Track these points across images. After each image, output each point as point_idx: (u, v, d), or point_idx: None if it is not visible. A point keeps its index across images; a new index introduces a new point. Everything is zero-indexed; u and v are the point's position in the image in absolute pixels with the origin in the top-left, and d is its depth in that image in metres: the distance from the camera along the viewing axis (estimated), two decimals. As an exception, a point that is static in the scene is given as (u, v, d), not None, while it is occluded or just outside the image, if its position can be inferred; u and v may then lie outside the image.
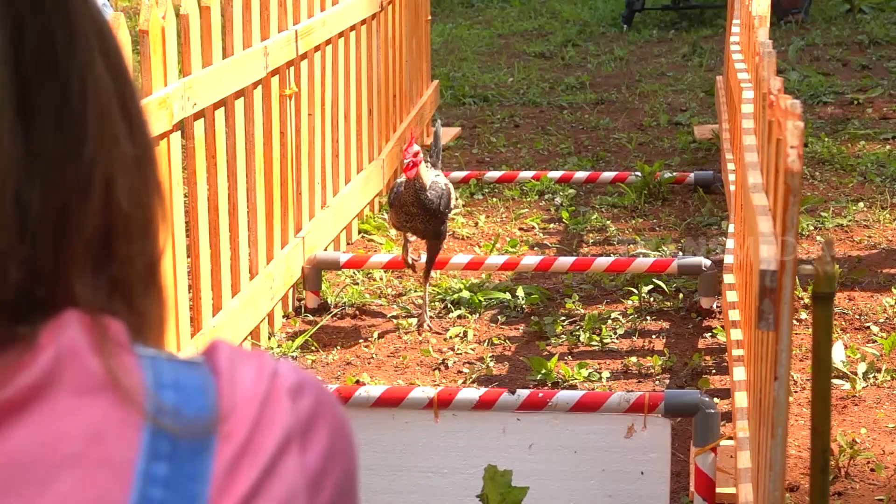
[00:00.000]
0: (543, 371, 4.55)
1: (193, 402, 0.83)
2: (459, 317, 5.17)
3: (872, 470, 3.93)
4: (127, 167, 0.86)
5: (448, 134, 7.72)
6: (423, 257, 5.13)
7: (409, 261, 5.11)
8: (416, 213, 4.89)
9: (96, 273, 0.84)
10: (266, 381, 0.85)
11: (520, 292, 5.28)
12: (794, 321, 4.84)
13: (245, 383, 0.85)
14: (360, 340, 4.98)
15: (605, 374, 4.63)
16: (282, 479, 0.83)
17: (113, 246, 0.85)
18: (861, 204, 6.26)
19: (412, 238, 5.14)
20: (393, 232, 5.90)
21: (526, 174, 6.69)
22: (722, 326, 4.86)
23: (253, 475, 0.82)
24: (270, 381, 0.85)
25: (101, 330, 0.83)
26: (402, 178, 4.97)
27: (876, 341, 4.79)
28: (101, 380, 0.81)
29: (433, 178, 4.96)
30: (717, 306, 5.05)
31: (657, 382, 4.56)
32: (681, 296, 5.26)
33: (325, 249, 5.55)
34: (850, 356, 4.61)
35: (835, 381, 4.38)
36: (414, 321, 5.10)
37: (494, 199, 6.57)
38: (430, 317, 5.09)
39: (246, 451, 0.83)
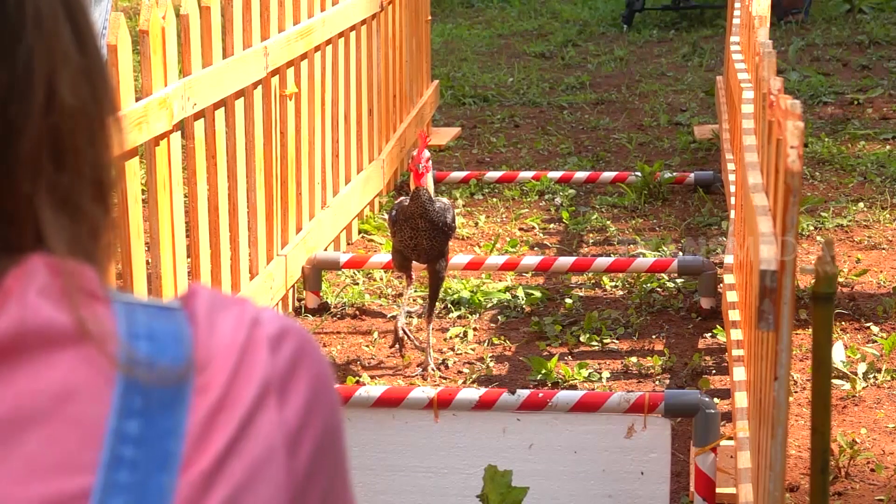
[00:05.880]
0: (543, 371, 4.55)
1: (168, 353, 0.79)
2: (459, 317, 5.17)
3: (872, 470, 3.93)
4: (72, 70, 0.81)
5: (448, 134, 7.72)
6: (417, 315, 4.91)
7: (400, 333, 4.70)
8: (422, 226, 4.57)
9: (49, 184, 0.80)
10: (246, 330, 0.81)
11: (520, 292, 5.28)
12: (794, 321, 4.84)
13: (223, 332, 0.81)
14: (360, 340, 4.98)
15: (605, 374, 4.62)
16: (259, 435, 0.79)
17: (62, 151, 0.80)
18: (861, 204, 6.26)
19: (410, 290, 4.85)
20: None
21: (526, 174, 6.68)
22: (722, 326, 4.85)
23: (229, 431, 0.78)
24: (250, 329, 0.81)
25: (70, 278, 0.79)
26: (401, 199, 4.75)
27: (876, 341, 4.79)
28: (70, 333, 0.77)
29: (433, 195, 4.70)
30: (714, 307, 5.05)
31: (657, 382, 4.56)
32: (681, 296, 5.26)
33: (325, 249, 5.55)
34: (850, 356, 4.61)
35: (835, 381, 4.38)
36: (415, 321, 5.10)
37: (494, 199, 6.57)
38: (435, 358, 4.73)
39: (222, 405, 0.78)
